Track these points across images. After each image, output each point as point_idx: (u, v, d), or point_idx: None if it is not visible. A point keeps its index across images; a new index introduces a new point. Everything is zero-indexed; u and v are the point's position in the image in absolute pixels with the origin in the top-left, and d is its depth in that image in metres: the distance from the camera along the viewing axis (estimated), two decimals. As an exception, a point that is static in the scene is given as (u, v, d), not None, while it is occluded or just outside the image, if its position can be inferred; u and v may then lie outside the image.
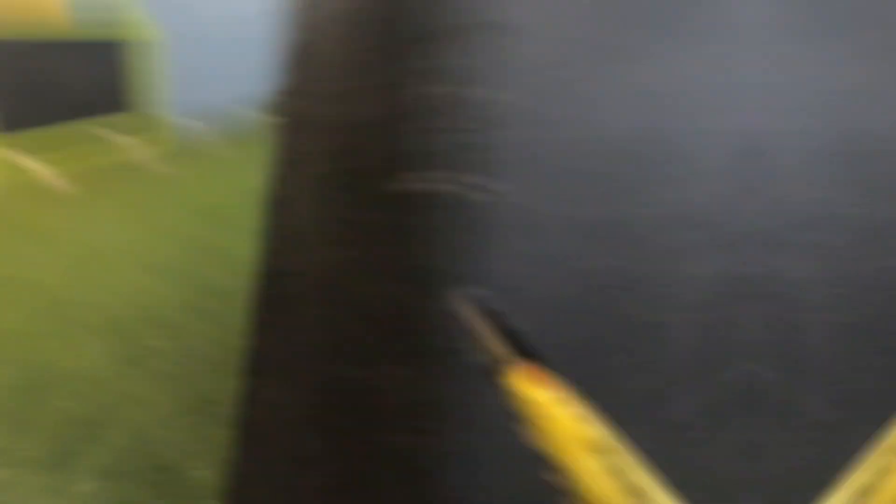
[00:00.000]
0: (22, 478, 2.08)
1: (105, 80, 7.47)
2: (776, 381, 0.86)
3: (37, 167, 6.28)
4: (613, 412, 0.77)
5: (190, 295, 3.51)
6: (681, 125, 0.96)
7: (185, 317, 2.97)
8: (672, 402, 0.84)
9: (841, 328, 0.86)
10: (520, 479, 0.72)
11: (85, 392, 2.49)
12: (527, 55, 0.80)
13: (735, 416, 0.86)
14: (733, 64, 1.01)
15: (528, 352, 0.66)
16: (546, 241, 0.84)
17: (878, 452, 0.58)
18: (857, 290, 0.89)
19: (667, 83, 0.95)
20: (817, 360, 0.84)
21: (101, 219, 4.79)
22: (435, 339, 0.88)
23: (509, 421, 0.66)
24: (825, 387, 0.81)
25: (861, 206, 0.85)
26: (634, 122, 0.94)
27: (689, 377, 0.86)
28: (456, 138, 0.73)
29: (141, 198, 5.47)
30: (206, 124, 8.55)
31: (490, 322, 0.69)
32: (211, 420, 1.99)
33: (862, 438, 0.80)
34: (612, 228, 0.89)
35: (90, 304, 3.37)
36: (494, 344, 0.68)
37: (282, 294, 1.13)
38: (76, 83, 7.17)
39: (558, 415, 0.62)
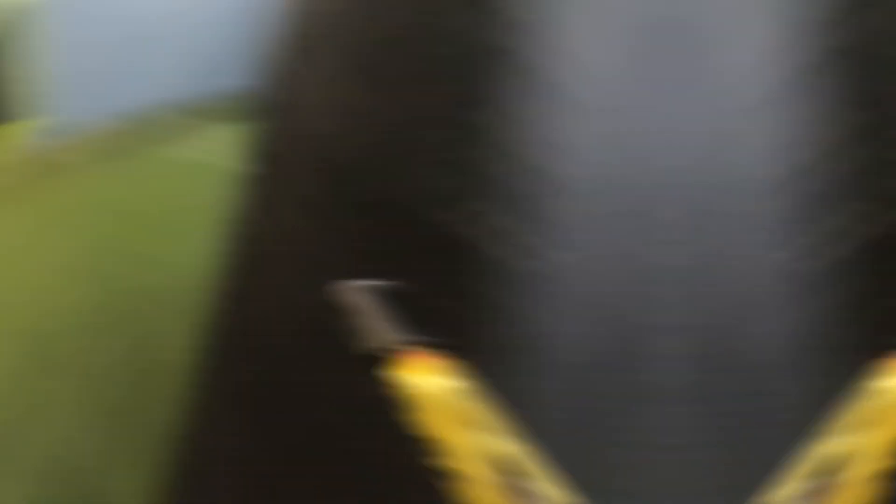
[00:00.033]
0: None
1: None
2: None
3: None
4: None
5: (104, 297, 3.15)
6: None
7: (100, 319, 2.65)
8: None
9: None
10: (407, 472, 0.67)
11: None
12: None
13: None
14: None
15: (421, 338, 0.63)
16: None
17: (832, 434, 0.58)
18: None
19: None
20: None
21: (1, 218, 4.14)
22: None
23: (391, 409, 0.62)
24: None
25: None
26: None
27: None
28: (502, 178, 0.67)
29: (51, 198, 4.82)
30: (119, 126, 7.79)
31: (381, 308, 0.65)
32: (132, 424, 1.86)
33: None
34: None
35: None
36: (384, 330, 0.64)
37: (245, 322, 1.00)
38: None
39: (442, 402, 0.59)
